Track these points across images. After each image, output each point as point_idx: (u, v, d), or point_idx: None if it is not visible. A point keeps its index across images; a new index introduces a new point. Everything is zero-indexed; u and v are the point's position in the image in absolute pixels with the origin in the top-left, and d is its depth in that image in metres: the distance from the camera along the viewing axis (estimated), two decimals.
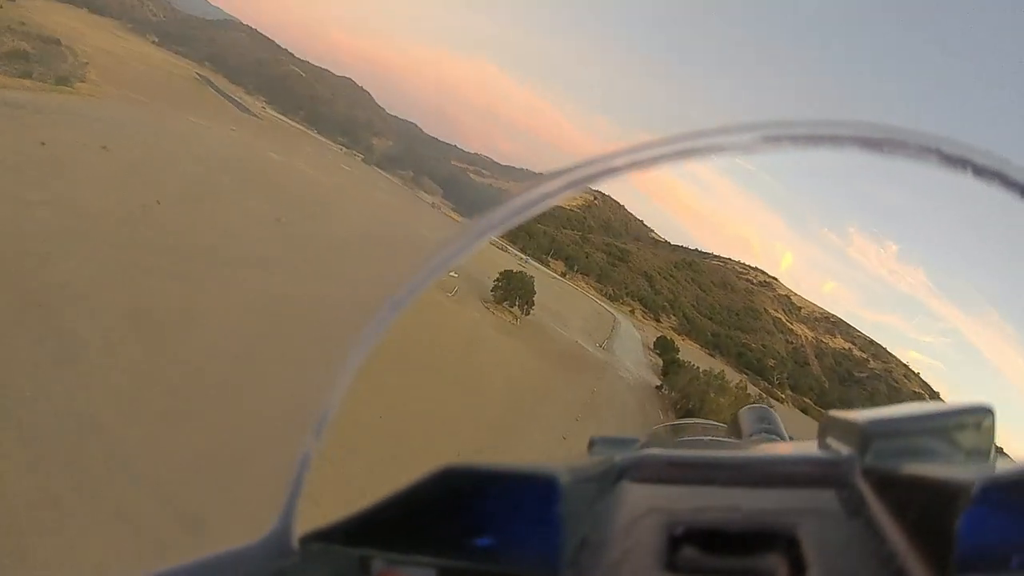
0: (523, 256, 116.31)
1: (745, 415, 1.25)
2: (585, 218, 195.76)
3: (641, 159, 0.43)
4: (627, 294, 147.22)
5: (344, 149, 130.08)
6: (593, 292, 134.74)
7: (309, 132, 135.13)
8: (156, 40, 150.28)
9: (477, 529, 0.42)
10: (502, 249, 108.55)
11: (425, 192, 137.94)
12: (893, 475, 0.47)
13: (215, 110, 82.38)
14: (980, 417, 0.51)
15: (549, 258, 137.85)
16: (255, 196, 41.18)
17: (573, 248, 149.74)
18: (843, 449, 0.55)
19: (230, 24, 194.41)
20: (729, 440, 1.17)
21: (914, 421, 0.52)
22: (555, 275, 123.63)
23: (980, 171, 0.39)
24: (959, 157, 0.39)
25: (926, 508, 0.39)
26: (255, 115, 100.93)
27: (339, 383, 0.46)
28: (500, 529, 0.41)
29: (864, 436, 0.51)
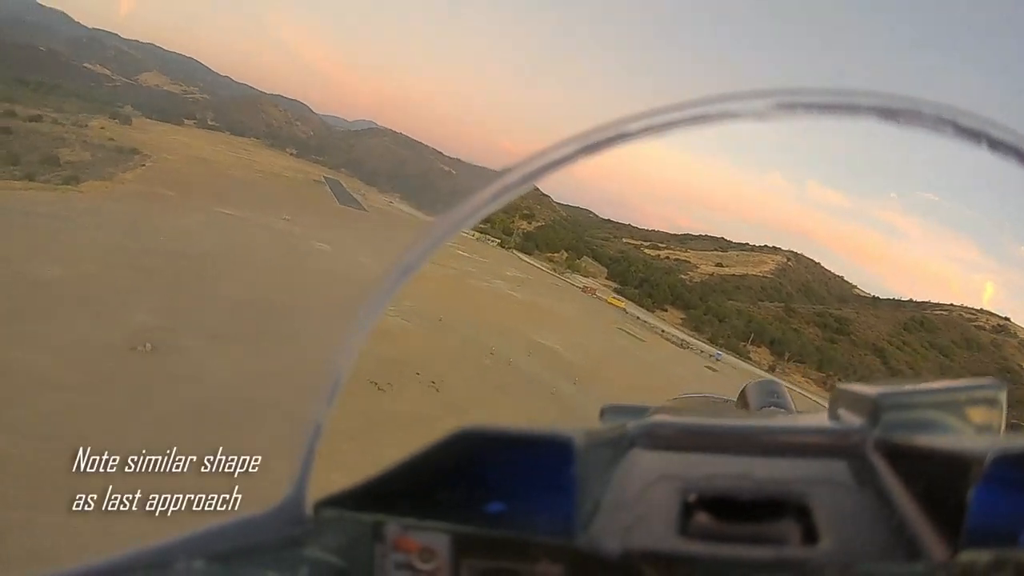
0: (714, 349, 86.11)
1: (753, 389, 1.23)
2: (781, 283, 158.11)
3: (655, 124, 0.42)
4: (860, 382, 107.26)
5: (477, 235, 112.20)
6: (814, 388, 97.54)
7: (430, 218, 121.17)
8: (294, 152, 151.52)
9: (492, 493, 0.41)
10: (681, 345, 78.87)
11: (580, 275, 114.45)
12: (904, 446, 0.47)
13: (306, 205, 67.39)
14: (991, 392, 0.51)
15: (749, 345, 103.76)
16: (158, 299, 23.63)
17: (777, 326, 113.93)
18: (854, 420, 0.54)
19: (374, 131, 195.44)
20: (739, 411, 1.16)
21: (925, 394, 0.52)
22: (762, 372, 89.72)
23: (996, 144, 0.38)
24: (975, 130, 0.38)
25: (937, 480, 0.39)
26: (363, 208, 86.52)
27: (348, 350, 0.45)
28: (515, 493, 0.41)
29: (875, 407, 0.51)
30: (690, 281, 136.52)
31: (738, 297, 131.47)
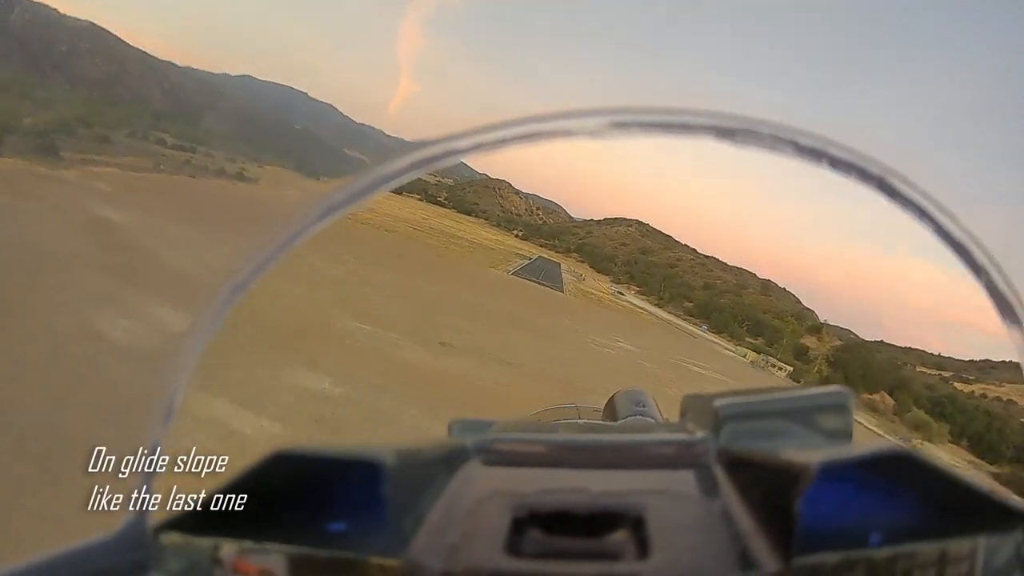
0: None
1: (619, 398, 1.20)
2: None
3: (486, 140, 0.42)
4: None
5: (752, 358, 76.42)
6: None
7: (682, 323, 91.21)
8: (520, 233, 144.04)
9: (317, 514, 0.41)
10: None
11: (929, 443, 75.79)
12: (744, 456, 0.47)
13: (458, 269, 44.69)
14: (838, 399, 0.52)
15: None
16: None
17: None
18: (700, 431, 0.55)
19: (620, 221, 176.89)
20: (596, 423, 1.14)
21: (768, 403, 0.52)
22: None
23: (836, 163, 0.39)
24: (815, 149, 0.39)
25: (771, 489, 0.39)
26: (560, 290, 62.67)
27: (182, 370, 0.44)
28: (337, 514, 0.40)
29: (718, 417, 0.51)
30: None
31: None
